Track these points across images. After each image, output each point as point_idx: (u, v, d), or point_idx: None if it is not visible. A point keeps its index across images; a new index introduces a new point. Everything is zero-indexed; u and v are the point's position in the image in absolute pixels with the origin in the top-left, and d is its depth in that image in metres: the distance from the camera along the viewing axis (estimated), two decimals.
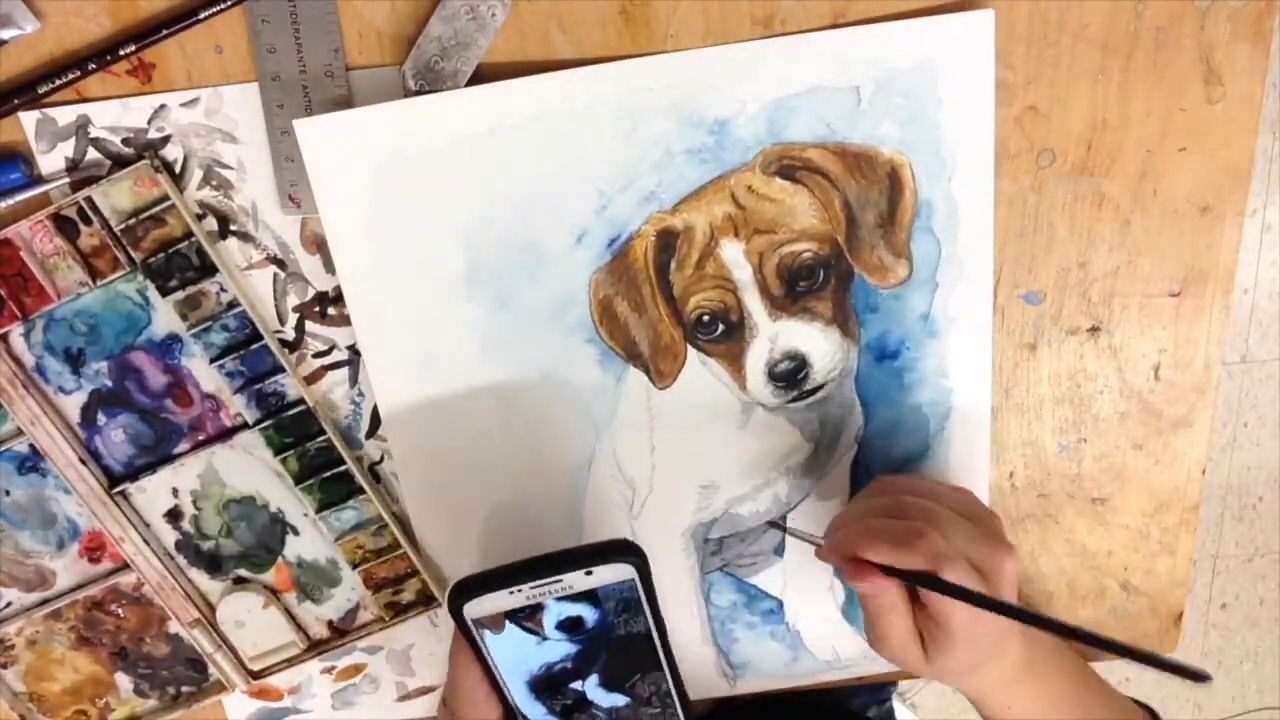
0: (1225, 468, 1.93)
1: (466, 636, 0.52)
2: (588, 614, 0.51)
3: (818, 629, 0.65)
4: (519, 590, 0.50)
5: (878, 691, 0.91)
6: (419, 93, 0.51)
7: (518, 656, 0.53)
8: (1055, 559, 0.64)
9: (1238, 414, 1.89)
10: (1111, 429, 0.61)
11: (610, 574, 0.49)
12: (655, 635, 0.53)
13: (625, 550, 0.49)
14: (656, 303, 0.56)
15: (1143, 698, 0.62)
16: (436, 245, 0.54)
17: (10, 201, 0.53)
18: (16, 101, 0.51)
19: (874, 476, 0.60)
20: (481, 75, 0.51)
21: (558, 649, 0.53)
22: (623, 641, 0.53)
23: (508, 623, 0.51)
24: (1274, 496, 1.96)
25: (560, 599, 0.50)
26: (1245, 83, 0.53)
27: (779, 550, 0.63)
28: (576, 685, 0.55)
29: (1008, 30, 0.51)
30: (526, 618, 0.51)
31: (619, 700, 0.56)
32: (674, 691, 0.56)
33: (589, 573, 0.49)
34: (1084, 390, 0.60)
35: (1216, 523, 1.97)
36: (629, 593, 0.50)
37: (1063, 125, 0.53)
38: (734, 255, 0.55)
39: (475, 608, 0.50)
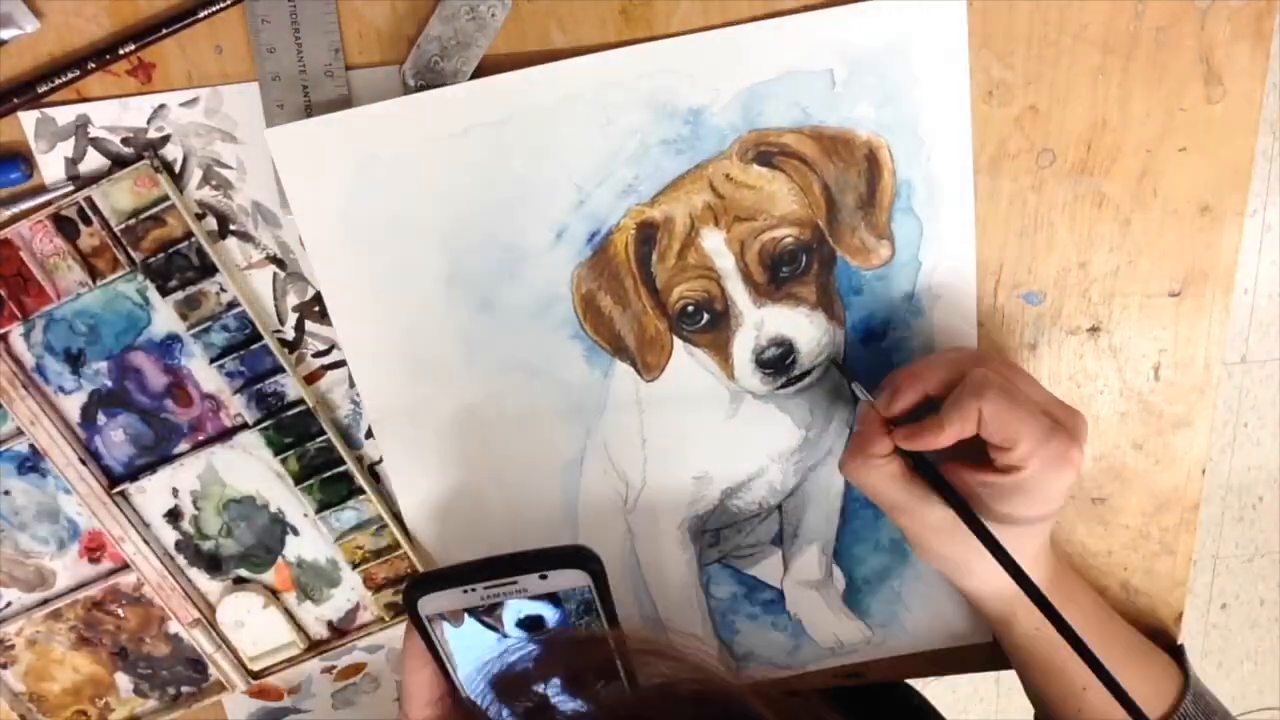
0: (1225, 468, 1.93)
1: (421, 633, 0.51)
2: (548, 613, 0.51)
3: (819, 617, 0.65)
4: (473, 589, 0.49)
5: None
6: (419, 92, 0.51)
7: (477, 652, 0.53)
8: None
9: (1238, 414, 1.89)
10: (1111, 429, 0.61)
11: (566, 579, 0.49)
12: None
13: (581, 558, 0.49)
14: (640, 295, 0.56)
15: None
16: (416, 248, 0.54)
17: (13, 210, 0.53)
18: (16, 101, 0.51)
19: None
20: (481, 75, 0.51)
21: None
22: None
23: (467, 617, 0.51)
24: (1274, 496, 1.96)
25: (520, 598, 0.50)
26: (1245, 83, 0.53)
27: (776, 540, 0.63)
28: (538, 688, 0.54)
29: (1007, 30, 0.51)
30: (486, 613, 0.51)
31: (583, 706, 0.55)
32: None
33: (544, 577, 0.49)
34: (1084, 390, 0.60)
35: (1216, 523, 1.97)
36: (589, 594, 0.50)
37: (1063, 125, 0.53)
38: (715, 244, 0.54)
39: (430, 604, 0.50)
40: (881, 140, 0.53)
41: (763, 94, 0.52)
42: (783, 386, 0.58)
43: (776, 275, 0.55)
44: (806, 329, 0.56)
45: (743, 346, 0.56)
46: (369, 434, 0.59)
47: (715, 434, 0.59)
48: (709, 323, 0.56)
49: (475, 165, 0.53)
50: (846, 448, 0.56)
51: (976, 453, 0.51)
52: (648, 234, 0.54)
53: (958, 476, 0.52)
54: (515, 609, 0.51)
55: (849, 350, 0.58)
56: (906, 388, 0.52)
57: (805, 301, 0.56)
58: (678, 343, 0.57)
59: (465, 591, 0.49)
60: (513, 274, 0.55)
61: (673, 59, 0.51)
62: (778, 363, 0.57)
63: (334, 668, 0.66)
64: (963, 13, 0.51)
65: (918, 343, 0.58)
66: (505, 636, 0.52)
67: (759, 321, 0.56)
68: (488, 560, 0.50)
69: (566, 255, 0.55)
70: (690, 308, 0.56)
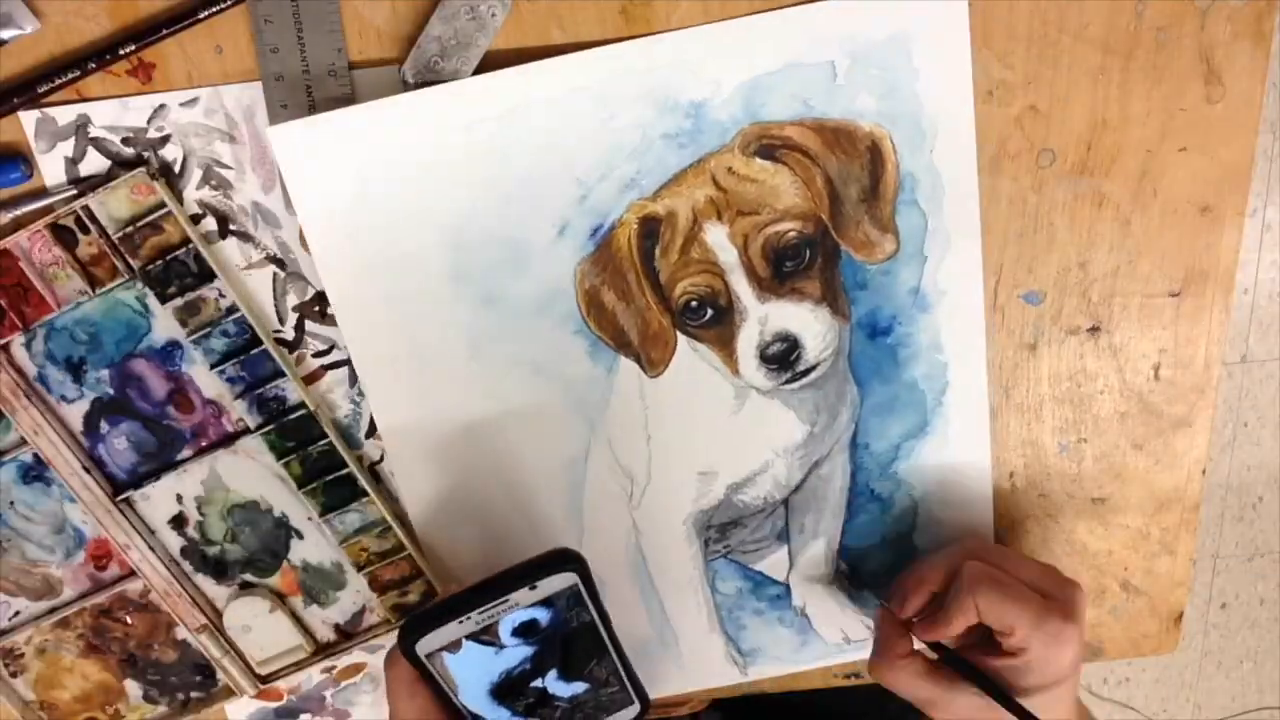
0: (1225, 468, 1.93)
1: (422, 673, 0.52)
2: (541, 615, 0.52)
3: (826, 612, 0.65)
4: (468, 618, 0.50)
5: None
6: None
7: (477, 671, 0.53)
8: (1055, 559, 0.64)
9: (1238, 414, 1.89)
10: (1111, 429, 0.61)
11: (554, 584, 0.50)
12: (601, 628, 0.53)
13: (565, 560, 0.50)
14: (643, 290, 0.55)
15: (1141, 697, 0.62)
16: (419, 245, 0.54)
17: (14, 212, 0.53)
18: (16, 101, 0.51)
19: (873, 455, 0.60)
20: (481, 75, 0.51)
21: (516, 654, 0.53)
22: (576, 632, 0.53)
23: (465, 640, 0.51)
24: (1274, 496, 1.96)
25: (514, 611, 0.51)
26: (1245, 83, 0.53)
27: (782, 536, 0.63)
28: (537, 683, 0.55)
29: (1008, 30, 0.52)
30: (482, 632, 0.51)
31: (579, 688, 0.56)
32: (621, 669, 0.56)
33: (533, 587, 0.50)
34: (1084, 390, 0.60)
35: (1216, 523, 1.97)
36: (575, 590, 0.51)
37: (1063, 125, 0.54)
38: (718, 239, 0.54)
39: (428, 643, 0.51)
40: (884, 131, 0.53)
41: (764, 86, 0.52)
42: (787, 382, 0.58)
43: (780, 270, 0.55)
44: (811, 324, 0.56)
45: (747, 342, 0.56)
46: (369, 433, 0.59)
47: (720, 429, 0.59)
48: (713, 318, 0.56)
49: (478, 161, 0.53)
50: (872, 654, 0.58)
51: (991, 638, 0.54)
52: (650, 228, 0.54)
53: (978, 663, 0.54)
54: (510, 620, 0.51)
55: (854, 346, 0.58)
56: (913, 590, 0.56)
57: (810, 296, 0.56)
58: (681, 338, 0.57)
59: (460, 622, 0.50)
60: (516, 269, 0.55)
61: (673, 52, 0.51)
62: (782, 358, 0.57)
63: (334, 667, 0.66)
64: (964, 4, 0.51)
65: (924, 338, 0.57)
66: (503, 648, 0.52)
67: (763, 316, 0.56)
68: (476, 586, 0.50)
69: (569, 250, 0.55)
70: (694, 303, 0.56)
